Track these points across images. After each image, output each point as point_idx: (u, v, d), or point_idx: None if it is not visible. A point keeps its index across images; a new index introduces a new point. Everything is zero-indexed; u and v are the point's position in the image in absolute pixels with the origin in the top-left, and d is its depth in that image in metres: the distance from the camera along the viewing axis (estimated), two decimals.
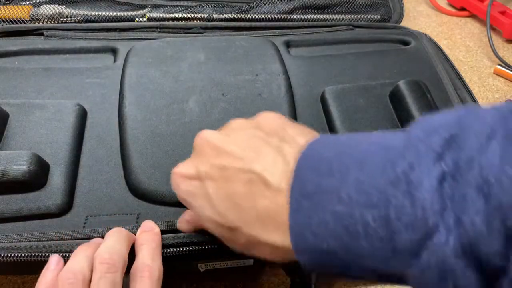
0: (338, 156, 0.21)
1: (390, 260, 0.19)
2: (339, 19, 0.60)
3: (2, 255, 0.33)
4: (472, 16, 0.87)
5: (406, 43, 0.58)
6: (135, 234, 0.34)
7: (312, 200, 0.21)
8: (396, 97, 0.47)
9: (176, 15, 0.57)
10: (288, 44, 0.56)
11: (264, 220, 0.23)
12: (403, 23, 0.64)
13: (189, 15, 0.57)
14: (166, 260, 0.36)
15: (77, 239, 0.35)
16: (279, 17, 0.59)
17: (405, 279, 0.19)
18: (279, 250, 0.23)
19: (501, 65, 0.73)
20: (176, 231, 0.36)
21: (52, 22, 0.52)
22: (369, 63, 0.54)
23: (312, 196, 0.21)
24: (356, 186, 0.20)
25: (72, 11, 0.52)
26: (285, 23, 0.58)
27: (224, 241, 0.29)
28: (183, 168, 0.29)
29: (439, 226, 0.17)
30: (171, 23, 0.56)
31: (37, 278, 0.45)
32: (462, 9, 0.88)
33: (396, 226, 0.18)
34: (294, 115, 0.46)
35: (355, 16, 0.62)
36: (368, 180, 0.19)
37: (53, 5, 0.52)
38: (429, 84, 0.49)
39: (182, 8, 0.58)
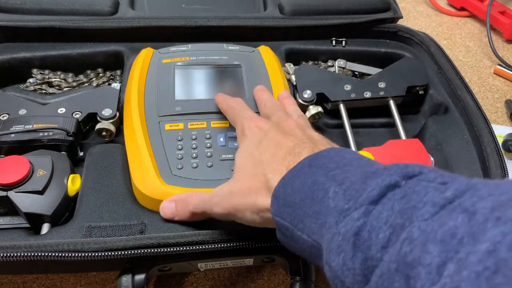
0: (342, 156, 0.29)
1: (327, 218, 0.25)
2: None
3: (2, 255, 0.33)
4: (472, 16, 0.87)
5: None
6: (137, 244, 0.34)
7: (312, 168, 0.28)
8: None
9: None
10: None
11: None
12: (403, 24, 0.63)
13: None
14: (167, 258, 0.37)
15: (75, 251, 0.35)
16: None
17: (321, 253, 0.26)
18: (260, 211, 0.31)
19: (501, 65, 0.73)
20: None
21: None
22: None
23: (315, 166, 0.28)
24: (343, 170, 0.27)
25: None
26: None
27: (218, 202, 0.34)
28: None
29: (357, 209, 0.24)
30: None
31: (37, 278, 0.45)
32: (462, 9, 0.88)
33: (340, 199, 0.25)
34: None
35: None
36: (354, 170, 0.27)
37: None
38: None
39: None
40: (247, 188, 0.32)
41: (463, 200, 0.20)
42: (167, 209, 0.38)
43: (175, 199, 0.38)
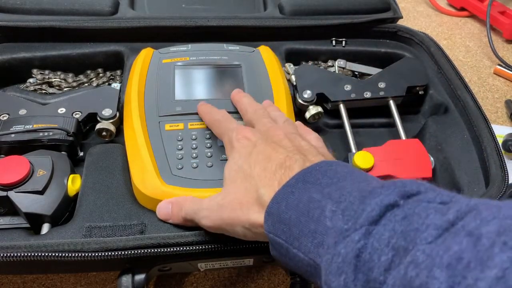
0: (335, 170, 0.29)
1: (324, 238, 0.25)
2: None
3: (2, 255, 0.33)
4: (472, 16, 0.87)
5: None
6: (137, 244, 0.34)
7: (306, 184, 0.28)
8: None
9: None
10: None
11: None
12: (403, 24, 0.63)
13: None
14: (167, 258, 0.37)
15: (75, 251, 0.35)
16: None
17: (319, 272, 0.25)
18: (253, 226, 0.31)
19: (501, 65, 0.73)
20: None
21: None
22: None
23: (309, 182, 0.28)
24: (338, 187, 0.27)
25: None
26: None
27: (207, 215, 0.33)
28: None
29: (357, 230, 0.23)
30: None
31: (37, 278, 0.45)
32: (462, 9, 0.88)
33: (339, 219, 0.25)
34: None
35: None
36: (349, 187, 0.27)
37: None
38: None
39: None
40: (238, 203, 0.31)
41: (466, 223, 0.20)
42: (163, 209, 0.37)
43: (172, 201, 0.37)
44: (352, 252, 0.23)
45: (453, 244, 0.19)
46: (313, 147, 0.34)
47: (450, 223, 0.21)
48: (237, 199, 0.32)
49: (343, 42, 0.58)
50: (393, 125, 0.51)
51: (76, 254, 0.34)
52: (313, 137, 0.37)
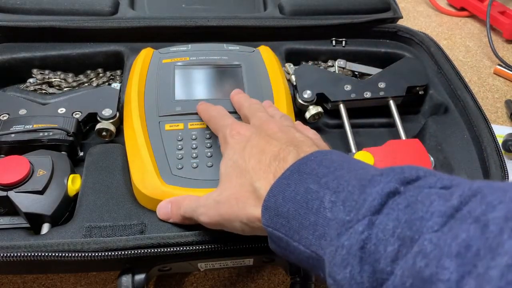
0: (330, 160, 0.29)
1: (326, 230, 0.25)
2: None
3: (2, 255, 0.33)
4: (472, 16, 0.87)
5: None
6: (137, 244, 0.34)
7: (302, 175, 0.28)
8: None
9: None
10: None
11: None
12: (403, 24, 0.63)
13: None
14: (167, 258, 0.37)
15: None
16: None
17: (322, 264, 0.25)
18: (250, 221, 0.30)
19: (501, 65, 0.73)
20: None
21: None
22: None
23: (305, 172, 0.28)
24: (335, 176, 0.27)
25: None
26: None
27: (204, 212, 0.33)
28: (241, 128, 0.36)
29: (359, 221, 0.23)
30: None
31: (37, 278, 0.45)
32: (462, 9, 0.88)
33: (340, 210, 0.24)
34: None
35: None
36: (346, 176, 0.26)
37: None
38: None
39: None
40: (234, 198, 0.31)
41: (472, 208, 0.20)
42: (163, 209, 0.38)
43: (171, 200, 0.37)
44: (357, 244, 0.23)
45: (460, 231, 0.19)
46: (308, 138, 0.33)
47: (455, 209, 0.20)
48: (233, 194, 0.31)
49: (343, 42, 0.58)
50: (393, 125, 0.51)
51: (76, 254, 0.34)
52: (310, 132, 0.37)
